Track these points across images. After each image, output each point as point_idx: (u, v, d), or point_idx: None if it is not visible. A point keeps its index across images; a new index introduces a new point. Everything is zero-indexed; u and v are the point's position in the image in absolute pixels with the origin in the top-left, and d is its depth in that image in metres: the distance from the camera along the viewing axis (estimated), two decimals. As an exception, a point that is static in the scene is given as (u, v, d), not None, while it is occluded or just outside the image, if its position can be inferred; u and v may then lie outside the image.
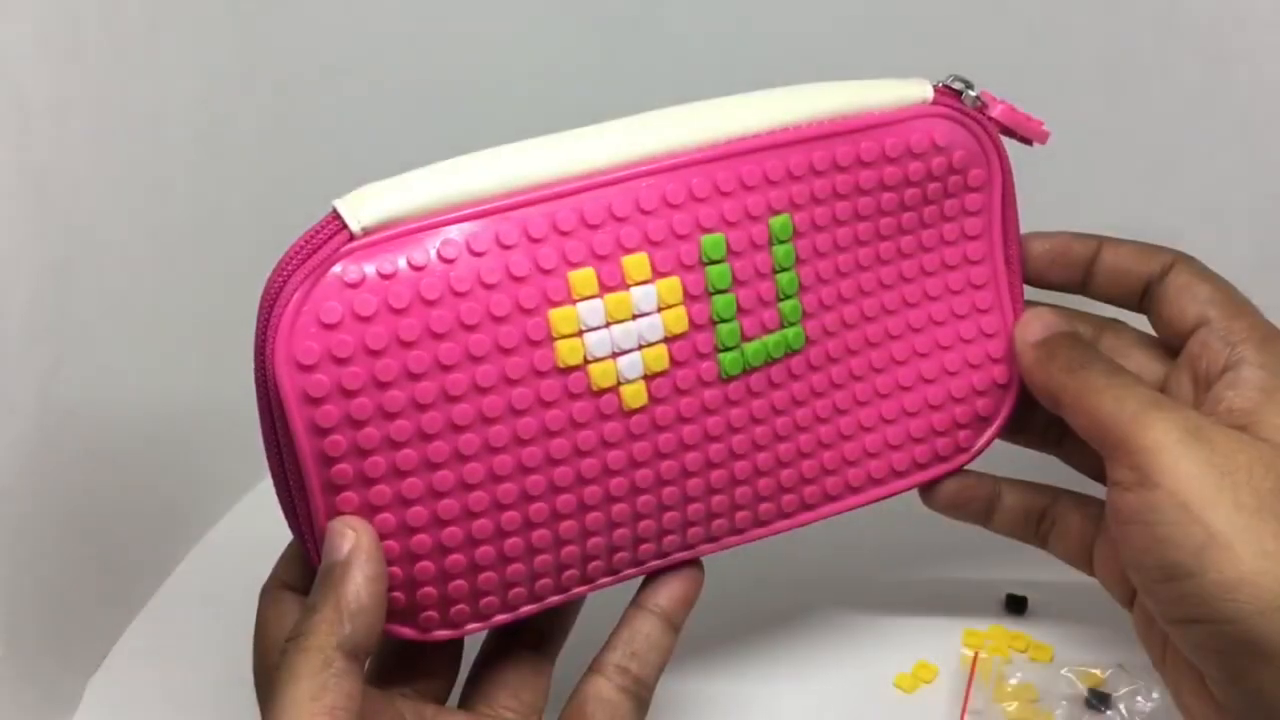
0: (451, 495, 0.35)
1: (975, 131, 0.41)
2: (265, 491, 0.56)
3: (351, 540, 0.34)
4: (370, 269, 0.34)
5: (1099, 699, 0.45)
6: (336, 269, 0.34)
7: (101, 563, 0.47)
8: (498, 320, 0.35)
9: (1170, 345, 0.41)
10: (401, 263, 0.34)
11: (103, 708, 0.46)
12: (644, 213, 0.37)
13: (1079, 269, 0.43)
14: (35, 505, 0.43)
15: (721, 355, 0.38)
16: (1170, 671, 0.38)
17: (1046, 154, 0.54)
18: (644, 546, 0.39)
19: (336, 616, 0.33)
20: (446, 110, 0.56)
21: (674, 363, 0.37)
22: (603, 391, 0.36)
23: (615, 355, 0.36)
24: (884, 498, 0.43)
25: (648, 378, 0.37)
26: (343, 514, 0.35)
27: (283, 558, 0.38)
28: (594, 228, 0.36)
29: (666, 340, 0.37)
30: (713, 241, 0.37)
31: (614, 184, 0.37)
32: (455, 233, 0.35)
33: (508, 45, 0.55)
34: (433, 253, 0.35)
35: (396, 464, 0.35)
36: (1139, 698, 0.44)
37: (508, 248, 0.35)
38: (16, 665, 0.42)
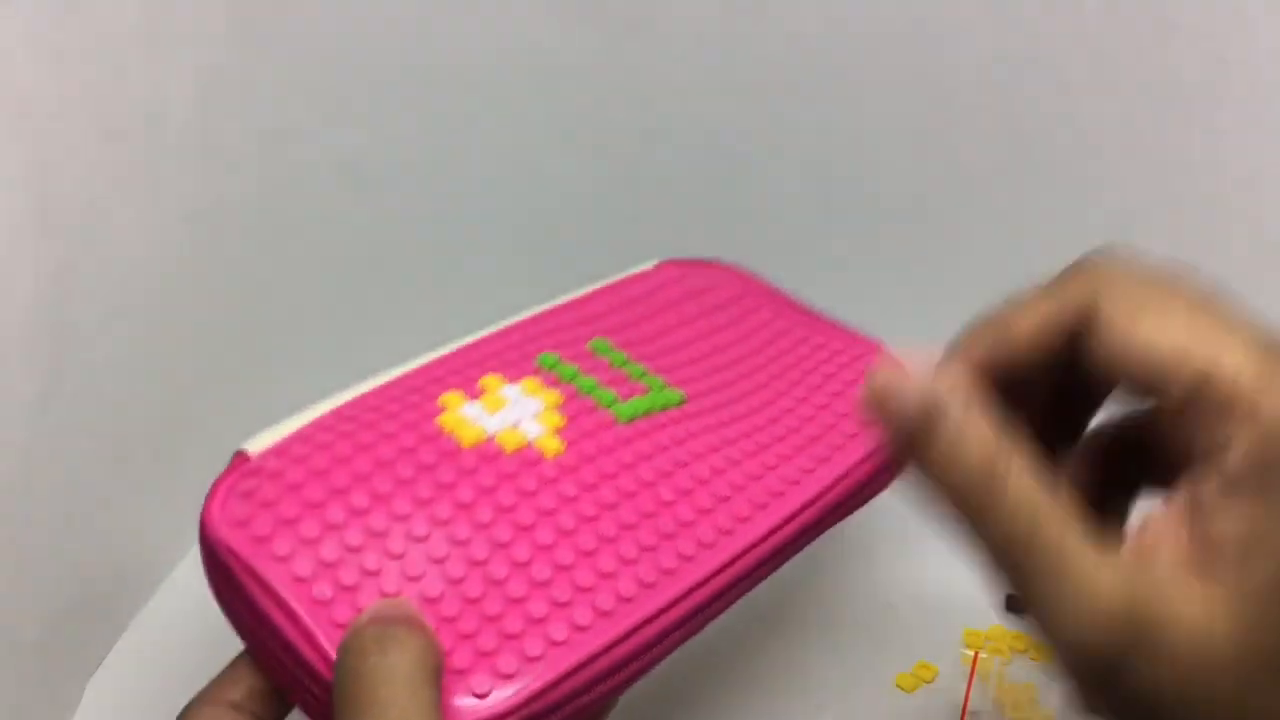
0: (425, 578, 0.35)
1: (704, 270, 0.49)
2: (265, 491, 0.56)
3: (405, 605, 0.34)
4: (270, 453, 0.37)
5: (1099, 699, 0.45)
6: (245, 460, 0.37)
7: (101, 563, 0.47)
8: (392, 435, 0.37)
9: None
10: (298, 438, 0.37)
11: (103, 708, 0.46)
12: (487, 356, 0.42)
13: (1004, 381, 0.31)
14: (35, 505, 0.43)
15: (611, 408, 0.41)
16: None
17: (1046, 153, 0.55)
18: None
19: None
20: (447, 109, 0.56)
21: (570, 418, 0.40)
22: (519, 449, 0.38)
23: (515, 425, 0.39)
24: (812, 501, 0.41)
25: (554, 431, 0.39)
26: (340, 623, 0.34)
27: (224, 679, 0.36)
28: (449, 370, 0.41)
29: (553, 408, 0.40)
30: (545, 357, 0.42)
31: (455, 352, 0.42)
32: (341, 414, 0.38)
33: (509, 44, 0.55)
34: (324, 425, 0.38)
35: (364, 565, 0.35)
36: (1139, 698, 0.44)
37: (384, 393, 0.40)
38: (16, 665, 0.42)
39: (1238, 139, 0.49)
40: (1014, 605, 0.50)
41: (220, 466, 0.55)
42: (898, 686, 0.47)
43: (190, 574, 0.52)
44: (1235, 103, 0.48)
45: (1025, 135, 0.54)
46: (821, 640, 0.49)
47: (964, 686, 0.46)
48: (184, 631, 0.49)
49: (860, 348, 0.47)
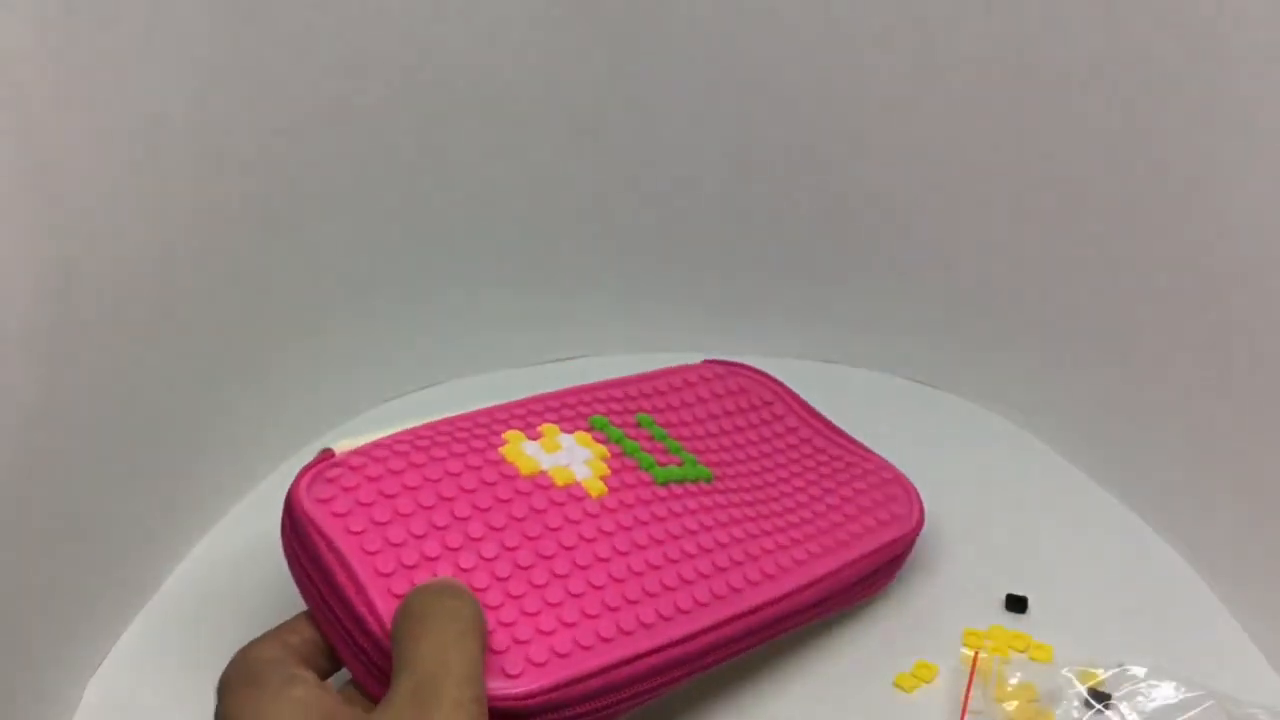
0: (475, 571, 0.40)
1: (742, 373, 0.55)
2: (264, 493, 0.56)
3: (458, 582, 0.38)
4: (353, 453, 0.42)
5: (1099, 699, 0.45)
6: (331, 454, 0.41)
7: (101, 562, 0.47)
8: (461, 455, 0.43)
9: None
10: (378, 445, 0.42)
11: (103, 708, 0.46)
12: (547, 409, 0.47)
13: None
14: (35, 505, 0.43)
15: (650, 470, 0.46)
16: None
17: (1045, 153, 0.55)
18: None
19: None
20: (447, 109, 0.56)
21: (614, 471, 0.45)
22: (568, 485, 0.43)
23: (567, 466, 0.44)
24: (817, 580, 0.46)
25: (600, 477, 0.44)
26: (397, 594, 0.38)
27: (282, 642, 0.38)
28: (511, 415, 0.46)
29: (600, 459, 0.45)
30: (597, 419, 0.48)
31: (515, 403, 0.48)
32: (417, 433, 0.43)
33: (510, 44, 0.55)
34: (401, 439, 0.43)
35: (424, 551, 0.39)
36: (1139, 698, 0.44)
37: (453, 423, 0.45)
38: (16, 665, 0.42)
39: (1237, 139, 0.49)
40: (1014, 605, 0.51)
41: (221, 467, 0.56)
42: (897, 686, 0.47)
43: (191, 575, 0.52)
44: (1236, 102, 0.48)
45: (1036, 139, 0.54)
46: (821, 640, 0.49)
47: (964, 686, 0.46)
48: (184, 632, 0.49)
49: (871, 463, 0.52)
